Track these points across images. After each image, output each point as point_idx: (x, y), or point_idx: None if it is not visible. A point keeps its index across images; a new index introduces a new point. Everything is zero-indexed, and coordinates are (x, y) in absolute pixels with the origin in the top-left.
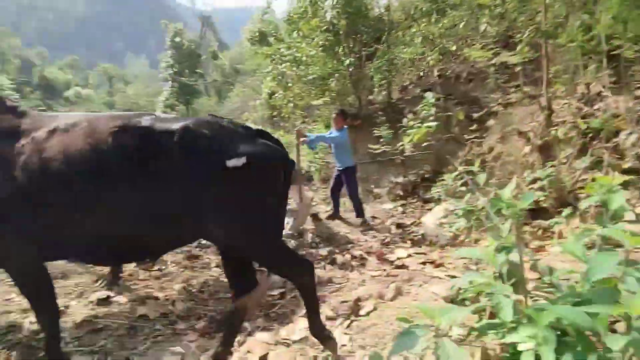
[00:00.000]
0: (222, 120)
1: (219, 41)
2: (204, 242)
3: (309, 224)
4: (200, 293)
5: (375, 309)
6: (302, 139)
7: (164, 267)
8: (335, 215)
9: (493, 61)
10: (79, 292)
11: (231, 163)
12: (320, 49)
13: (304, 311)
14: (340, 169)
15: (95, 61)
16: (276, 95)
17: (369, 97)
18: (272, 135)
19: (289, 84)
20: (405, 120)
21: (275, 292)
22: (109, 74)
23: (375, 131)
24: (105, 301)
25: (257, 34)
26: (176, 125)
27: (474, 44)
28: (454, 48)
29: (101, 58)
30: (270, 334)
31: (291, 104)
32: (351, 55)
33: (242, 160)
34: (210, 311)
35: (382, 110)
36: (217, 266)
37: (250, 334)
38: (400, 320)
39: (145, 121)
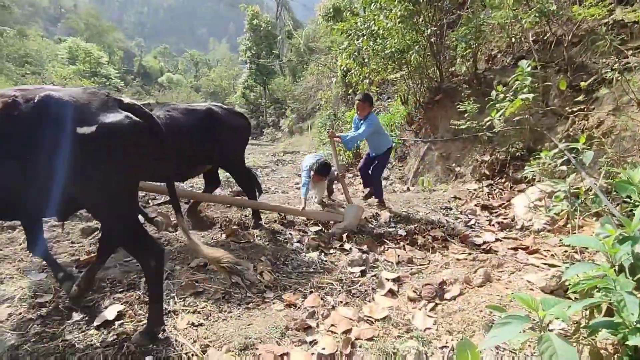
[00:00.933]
0: (95, 91)
1: (293, 20)
2: (285, 219)
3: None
4: (284, 266)
5: (461, 294)
6: (335, 139)
7: (252, 240)
8: (370, 195)
9: (606, 20)
10: (182, 258)
11: (82, 130)
12: (398, 20)
13: (385, 290)
14: (378, 153)
15: (183, 48)
16: (352, 72)
17: (451, 69)
18: (142, 108)
19: (365, 60)
20: (493, 92)
21: (356, 270)
22: (194, 60)
23: (459, 106)
24: (204, 267)
25: (331, 9)
26: (40, 93)
27: (582, 1)
28: (554, 8)
29: (188, 45)
30: (353, 310)
31: (367, 81)
32: (432, 24)
33: (92, 129)
34: (294, 283)
35: (466, 83)
36: (298, 242)
37: (333, 308)
38: (491, 308)
39: (14, 91)
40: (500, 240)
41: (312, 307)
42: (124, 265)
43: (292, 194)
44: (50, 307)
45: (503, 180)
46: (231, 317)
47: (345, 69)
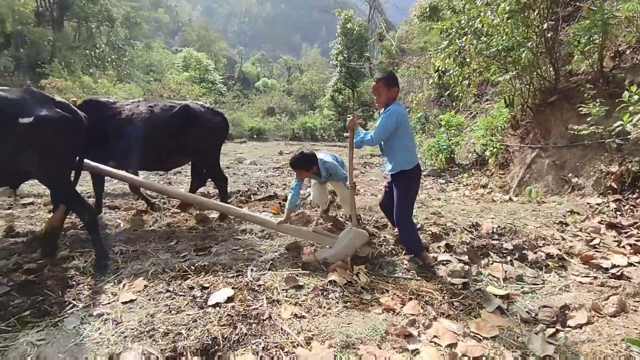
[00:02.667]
0: (34, 92)
1: (385, 22)
2: (379, 221)
3: (487, 214)
4: (380, 269)
5: (590, 322)
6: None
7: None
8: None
9: None
10: (282, 253)
11: (23, 120)
12: (507, 15)
13: (493, 307)
14: (392, 172)
15: (278, 54)
16: (449, 73)
17: (566, 67)
18: (70, 105)
19: (467, 60)
20: (626, 93)
21: (457, 281)
22: (288, 65)
23: (581, 108)
24: (304, 264)
25: (428, 9)
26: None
27: None
28: None
29: (283, 51)
30: (458, 324)
31: (466, 82)
32: (547, 18)
33: (29, 119)
34: (391, 288)
35: (589, 82)
36: (394, 244)
37: (435, 319)
38: (630, 342)
39: None
40: (635, 266)
41: (412, 314)
42: (233, 252)
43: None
44: (176, 284)
45: (635, 195)
46: (330, 313)
47: (442, 69)
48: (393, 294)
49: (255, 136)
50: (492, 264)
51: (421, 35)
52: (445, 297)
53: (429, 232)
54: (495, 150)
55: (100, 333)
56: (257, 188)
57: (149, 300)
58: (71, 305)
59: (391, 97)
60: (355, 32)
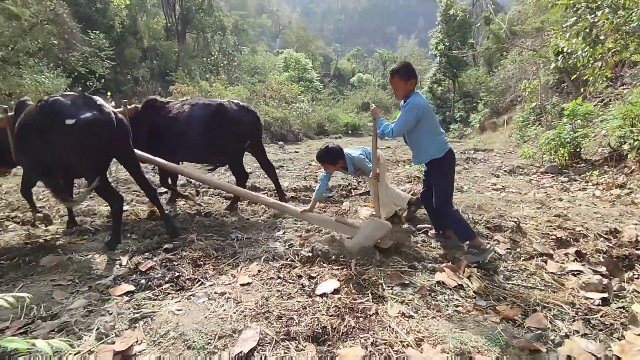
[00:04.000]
0: (77, 96)
1: (494, 4)
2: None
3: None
4: (495, 274)
5: None
6: (377, 114)
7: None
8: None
9: None
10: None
11: (68, 121)
12: None
13: (639, 328)
14: (425, 163)
15: (373, 48)
16: (576, 54)
17: None
18: (104, 107)
19: (600, 37)
20: None
21: (594, 296)
22: (382, 59)
23: None
24: (409, 261)
25: None
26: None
27: None
28: None
29: (378, 45)
30: (597, 345)
31: (598, 63)
32: None
33: (72, 120)
34: (510, 296)
35: None
36: (507, 249)
37: (567, 336)
38: None
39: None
40: None
41: (538, 328)
42: (339, 245)
43: (489, 195)
44: (285, 272)
45: None
46: (440, 316)
47: (567, 50)
48: (512, 302)
49: (350, 131)
50: (638, 278)
51: (537, 14)
52: (579, 313)
53: (553, 237)
54: (636, 143)
55: (224, 310)
56: (357, 183)
57: (263, 284)
58: (200, 282)
59: (409, 88)
60: (458, 18)
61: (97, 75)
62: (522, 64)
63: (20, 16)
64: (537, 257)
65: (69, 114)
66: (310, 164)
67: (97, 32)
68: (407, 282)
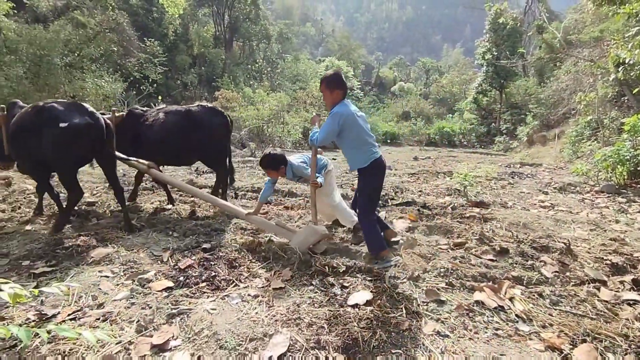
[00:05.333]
0: (71, 103)
1: (548, 11)
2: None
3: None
4: (541, 298)
5: None
6: (314, 122)
7: (496, 258)
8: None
9: None
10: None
11: (61, 124)
12: None
13: None
14: (351, 170)
15: (416, 57)
16: (639, 66)
17: None
18: (94, 112)
19: None
20: None
21: None
22: (426, 67)
23: None
24: (445, 277)
25: None
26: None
27: None
28: None
29: (421, 53)
30: None
31: None
32: None
33: (65, 124)
34: (557, 323)
35: None
36: (555, 272)
37: None
38: None
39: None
40: None
41: None
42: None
43: (535, 212)
44: (317, 279)
45: None
46: (478, 338)
47: (630, 61)
48: (559, 330)
49: (389, 140)
50: None
51: (596, 22)
52: (632, 346)
53: (607, 262)
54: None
55: (256, 312)
56: (394, 193)
57: (295, 290)
58: (234, 284)
59: (335, 98)
60: (507, 26)
61: (150, 80)
62: (577, 75)
63: (86, 25)
64: (588, 283)
65: (62, 118)
66: (347, 172)
67: (152, 39)
68: (443, 299)
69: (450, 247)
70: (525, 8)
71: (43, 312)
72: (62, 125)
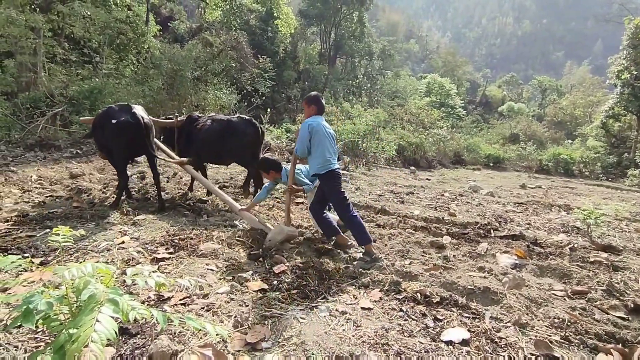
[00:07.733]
0: (124, 106)
1: None
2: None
3: None
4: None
5: None
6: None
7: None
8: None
9: None
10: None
11: (113, 121)
12: None
13: None
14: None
15: (531, 75)
16: None
17: None
18: (136, 112)
19: None
20: None
21: None
22: (542, 86)
23: None
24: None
25: None
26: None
27: None
28: None
29: (537, 71)
30: None
31: None
32: None
33: (115, 120)
34: (618, 334)
35: None
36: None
37: None
38: None
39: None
40: None
41: None
42: (468, 290)
43: None
44: (409, 306)
45: None
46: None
47: None
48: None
49: (491, 164)
50: None
51: None
52: None
53: None
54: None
55: (344, 330)
56: (498, 223)
57: (384, 313)
58: (323, 296)
59: (310, 113)
60: None
61: (260, 93)
62: None
63: (212, 44)
64: None
65: (113, 117)
66: (442, 194)
67: (265, 56)
68: (557, 355)
69: (568, 295)
70: None
71: (161, 294)
72: (113, 121)
